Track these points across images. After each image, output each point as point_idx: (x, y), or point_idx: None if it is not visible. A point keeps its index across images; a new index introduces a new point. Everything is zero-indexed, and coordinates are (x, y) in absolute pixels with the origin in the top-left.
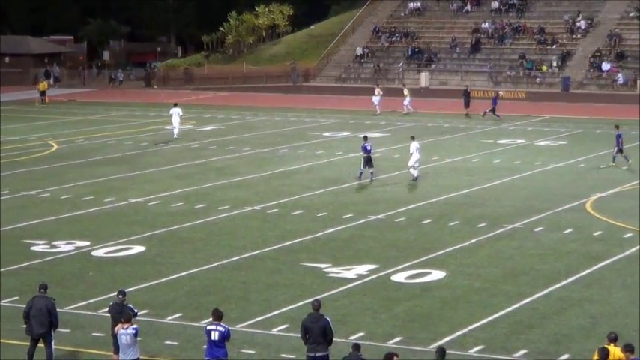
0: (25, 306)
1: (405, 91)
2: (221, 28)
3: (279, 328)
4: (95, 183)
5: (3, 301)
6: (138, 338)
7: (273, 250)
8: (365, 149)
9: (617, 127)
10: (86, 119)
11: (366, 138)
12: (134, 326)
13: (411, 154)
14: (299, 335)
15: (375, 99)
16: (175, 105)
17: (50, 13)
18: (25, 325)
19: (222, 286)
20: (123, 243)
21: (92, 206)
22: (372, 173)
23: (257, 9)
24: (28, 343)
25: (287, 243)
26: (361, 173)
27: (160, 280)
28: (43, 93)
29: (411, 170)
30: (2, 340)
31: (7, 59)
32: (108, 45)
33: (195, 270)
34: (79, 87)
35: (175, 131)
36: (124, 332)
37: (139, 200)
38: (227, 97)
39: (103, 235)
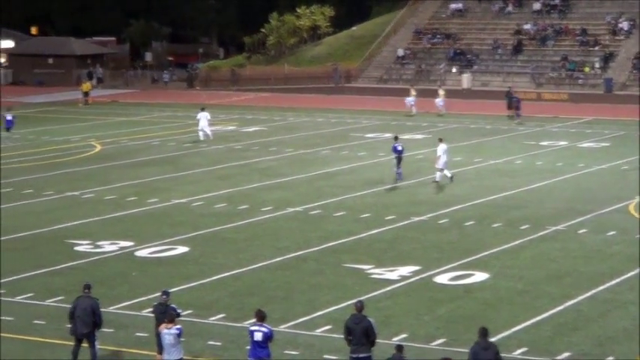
0: (70, 306)
1: (440, 91)
2: (262, 30)
3: (322, 329)
4: (139, 184)
5: (48, 300)
6: (181, 339)
7: (316, 251)
8: (395, 149)
9: None
10: (129, 120)
11: (396, 138)
12: (178, 326)
13: (439, 156)
14: (342, 336)
15: (409, 100)
16: (202, 109)
17: (93, 14)
18: (69, 325)
19: (265, 286)
20: (166, 243)
21: (136, 207)
22: (399, 174)
23: (298, 10)
24: (73, 343)
25: (330, 244)
26: (399, 174)
27: (204, 281)
28: (86, 94)
29: (438, 173)
30: (47, 340)
31: (50, 60)
32: (150, 46)
33: (238, 271)
34: (122, 88)
35: (204, 133)
36: (168, 332)
37: (182, 201)
38: (269, 98)
39: (146, 236)
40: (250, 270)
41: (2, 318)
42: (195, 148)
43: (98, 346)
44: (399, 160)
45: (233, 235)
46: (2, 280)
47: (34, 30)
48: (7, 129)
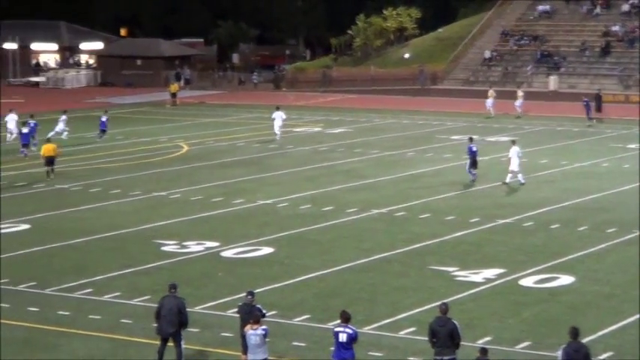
0: (156, 305)
1: (519, 93)
2: (349, 31)
3: (406, 331)
4: (225, 184)
5: (135, 300)
6: (267, 339)
7: (400, 253)
8: (470, 150)
9: None
10: (216, 121)
11: (471, 139)
12: (263, 327)
13: (510, 157)
14: (426, 339)
15: (489, 101)
16: (277, 109)
17: (181, 16)
18: (155, 325)
19: (349, 288)
20: (252, 244)
21: (222, 207)
22: (474, 174)
23: (385, 12)
24: (159, 342)
25: (414, 246)
26: (473, 174)
27: (289, 282)
28: (173, 95)
29: (519, 175)
30: (134, 339)
31: (138, 61)
32: (237, 48)
33: (323, 272)
34: (209, 89)
35: (276, 133)
36: (254, 333)
37: (267, 202)
38: (355, 99)
39: (232, 236)
40: (335, 271)
41: (90, 317)
42: (280, 150)
43: (184, 345)
44: (474, 161)
45: (318, 237)
46: (91, 279)
47: (123, 31)
48: (103, 131)
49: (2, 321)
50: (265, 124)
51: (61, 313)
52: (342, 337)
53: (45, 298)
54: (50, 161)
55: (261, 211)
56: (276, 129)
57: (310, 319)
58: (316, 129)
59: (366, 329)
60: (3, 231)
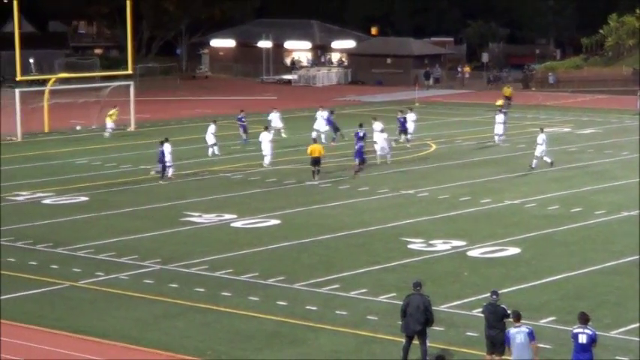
0: (401, 303)
1: None
2: (601, 31)
3: None
4: (472, 184)
5: (381, 296)
6: (533, 341)
7: None
8: None
9: None
10: (464, 120)
11: None
12: (529, 327)
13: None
14: None
15: None
16: (500, 111)
17: (432, 15)
18: (401, 322)
19: (597, 291)
20: (498, 244)
21: (469, 207)
22: None
23: (638, 11)
24: (403, 340)
25: None
26: None
27: (534, 283)
28: (508, 98)
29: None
30: (379, 336)
31: (388, 60)
32: (487, 47)
33: (569, 274)
34: (458, 88)
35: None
36: (518, 331)
37: (514, 202)
38: (605, 100)
39: (478, 236)
40: (582, 273)
41: (336, 312)
42: (529, 150)
43: (428, 343)
44: None
45: (565, 238)
46: (338, 275)
47: (373, 30)
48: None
49: (252, 314)
50: (513, 123)
51: (308, 307)
52: (582, 339)
53: (293, 293)
54: (316, 161)
55: (508, 211)
56: (498, 131)
57: (556, 321)
58: (566, 129)
59: (613, 333)
60: (255, 225)
